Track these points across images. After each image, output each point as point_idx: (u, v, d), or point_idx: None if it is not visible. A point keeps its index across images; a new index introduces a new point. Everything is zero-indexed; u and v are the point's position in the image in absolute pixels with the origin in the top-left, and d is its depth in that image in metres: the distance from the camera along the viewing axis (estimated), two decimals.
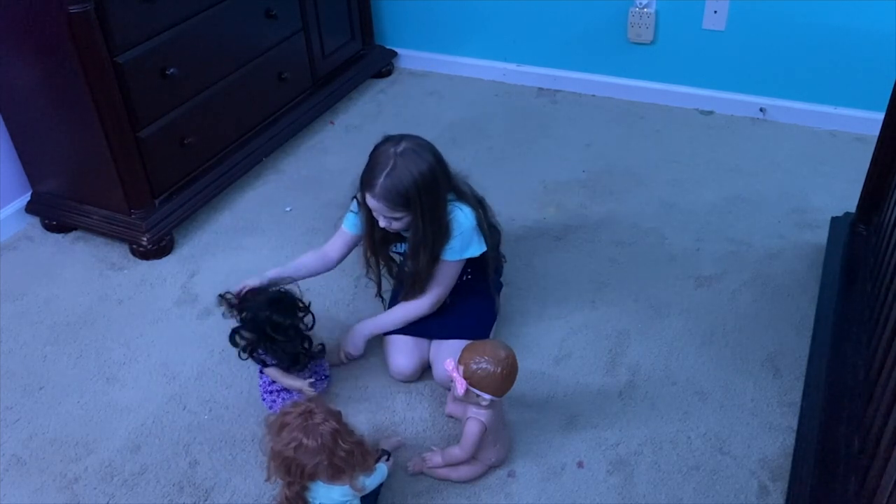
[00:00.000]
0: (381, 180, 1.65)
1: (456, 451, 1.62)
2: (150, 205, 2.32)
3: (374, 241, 1.84)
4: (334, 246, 1.91)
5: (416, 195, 1.66)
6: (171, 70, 2.24)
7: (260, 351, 1.73)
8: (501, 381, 1.56)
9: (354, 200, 1.85)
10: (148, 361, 1.99)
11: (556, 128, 2.88)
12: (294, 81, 2.80)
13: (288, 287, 1.76)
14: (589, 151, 2.73)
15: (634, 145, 2.74)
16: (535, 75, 3.13)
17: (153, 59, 2.19)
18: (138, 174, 2.26)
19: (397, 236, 1.85)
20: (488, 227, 1.84)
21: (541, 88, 3.12)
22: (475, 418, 1.59)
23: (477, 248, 1.80)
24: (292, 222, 2.46)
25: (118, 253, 2.36)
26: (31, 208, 2.47)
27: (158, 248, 2.32)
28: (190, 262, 2.32)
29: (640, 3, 2.78)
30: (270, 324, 1.68)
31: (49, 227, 2.46)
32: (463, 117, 2.95)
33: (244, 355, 1.75)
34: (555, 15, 2.97)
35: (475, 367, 1.55)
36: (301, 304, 1.75)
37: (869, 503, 1.24)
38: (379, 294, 1.99)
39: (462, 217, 1.76)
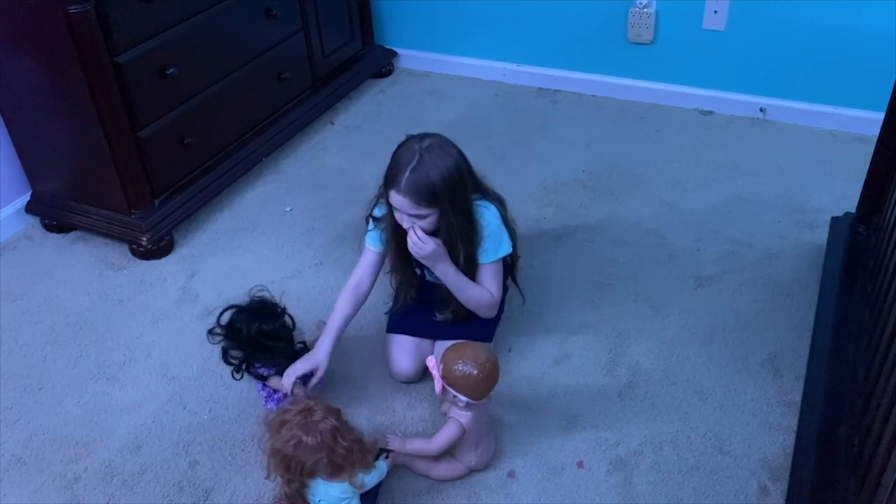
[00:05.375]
0: (406, 175, 1.60)
1: (422, 444, 1.62)
2: (150, 205, 2.32)
3: (402, 252, 1.74)
4: (363, 272, 1.81)
5: (443, 190, 1.61)
6: (171, 70, 2.24)
7: (256, 365, 1.74)
8: (477, 385, 1.54)
9: (370, 220, 1.80)
10: (148, 361, 1.99)
11: (556, 128, 2.88)
12: (294, 81, 2.80)
13: (262, 293, 1.76)
14: (589, 151, 2.72)
15: (634, 145, 2.74)
16: (535, 75, 3.13)
17: (153, 59, 2.19)
18: (138, 174, 2.26)
19: None
20: None
21: (541, 88, 3.12)
22: (455, 419, 1.58)
23: (507, 246, 1.78)
24: (292, 222, 2.46)
25: (118, 253, 2.36)
26: (31, 208, 2.48)
27: (158, 248, 2.31)
28: (190, 262, 2.32)
29: (640, 3, 2.78)
30: (262, 334, 1.69)
31: (49, 227, 2.46)
32: (463, 117, 2.95)
33: (238, 375, 1.77)
34: (554, 15, 2.97)
35: (454, 367, 1.54)
36: (279, 308, 1.75)
37: (869, 503, 1.24)
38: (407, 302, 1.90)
39: (489, 216, 1.74)
